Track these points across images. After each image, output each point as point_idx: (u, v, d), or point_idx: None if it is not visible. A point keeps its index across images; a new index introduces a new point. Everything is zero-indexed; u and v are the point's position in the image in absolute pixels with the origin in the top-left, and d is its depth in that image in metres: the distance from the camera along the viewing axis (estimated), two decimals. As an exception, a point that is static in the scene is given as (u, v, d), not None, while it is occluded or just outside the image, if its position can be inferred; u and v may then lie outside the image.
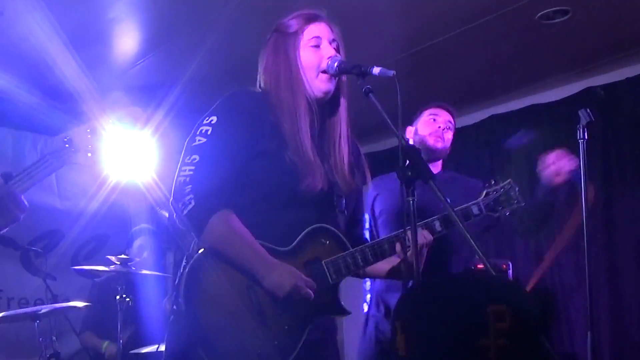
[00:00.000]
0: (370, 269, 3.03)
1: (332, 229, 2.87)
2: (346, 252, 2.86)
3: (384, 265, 3.09)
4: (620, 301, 6.44)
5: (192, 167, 2.71)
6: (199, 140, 2.76)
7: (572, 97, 6.96)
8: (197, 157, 2.73)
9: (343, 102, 3.02)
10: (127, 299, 5.50)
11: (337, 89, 2.99)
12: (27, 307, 6.30)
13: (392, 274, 3.13)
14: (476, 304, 1.71)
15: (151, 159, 6.92)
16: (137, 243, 6.48)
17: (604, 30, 5.91)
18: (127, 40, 5.88)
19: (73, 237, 7.10)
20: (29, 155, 6.98)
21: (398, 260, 3.04)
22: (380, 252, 2.92)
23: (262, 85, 2.99)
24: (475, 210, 3.16)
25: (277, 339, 2.66)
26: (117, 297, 5.48)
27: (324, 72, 2.90)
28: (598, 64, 6.67)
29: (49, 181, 7.05)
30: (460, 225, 2.49)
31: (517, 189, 3.23)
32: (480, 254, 2.45)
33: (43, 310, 5.42)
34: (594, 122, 3.70)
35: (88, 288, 6.47)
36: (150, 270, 5.78)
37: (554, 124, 7.08)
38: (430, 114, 4.51)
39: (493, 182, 3.24)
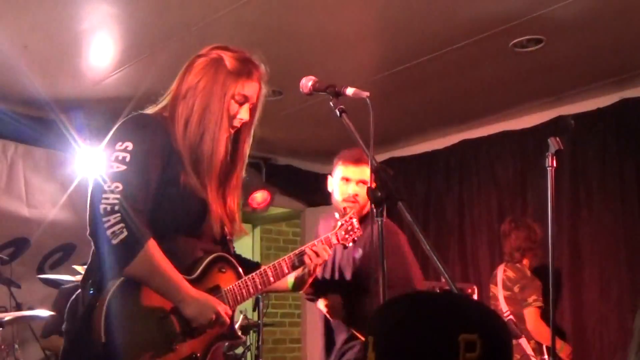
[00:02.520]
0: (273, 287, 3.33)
1: (229, 257, 3.04)
2: (245, 278, 3.06)
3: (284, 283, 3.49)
4: (584, 325, 6.51)
5: (117, 196, 2.67)
6: (118, 167, 2.72)
7: (542, 125, 7.04)
8: (119, 185, 2.70)
9: (247, 142, 3.13)
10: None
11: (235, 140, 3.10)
12: (-10, 315, 6.25)
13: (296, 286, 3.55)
14: (448, 331, 1.70)
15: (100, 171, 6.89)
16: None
17: (576, 60, 5.98)
18: (100, 52, 5.86)
19: (40, 246, 7.05)
20: (-2, 162, 6.94)
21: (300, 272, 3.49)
22: (280, 272, 3.26)
23: (186, 102, 2.95)
24: (334, 239, 3.60)
25: None
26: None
27: (232, 127, 2.99)
28: (570, 94, 6.74)
29: (17, 189, 7.00)
30: (431, 252, 2.50)
31: (354, 220, 3.69)
32: (447, 277, 2.47)
33: (6, 318, 5.37)
34: (562, 151, 3.74)
35: (53, 297, 6.40)
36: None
37: (524, 151, 7.17)
38: (342, 177, 4.16)
39: (345, 213, 3.77)
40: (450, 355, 1.67)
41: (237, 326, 3.11)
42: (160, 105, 3.00)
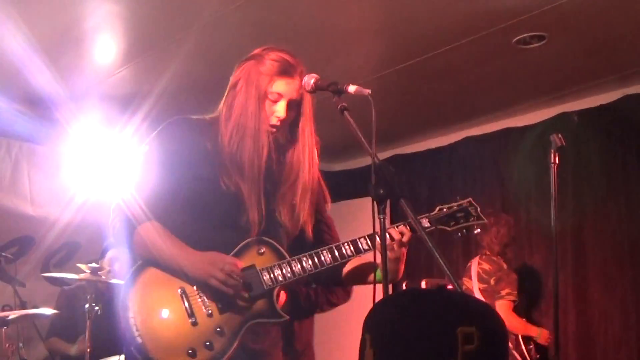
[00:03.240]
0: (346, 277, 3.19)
1: (269, 240, 3.00)
2: (281, 260, 2.98)
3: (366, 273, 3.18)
4: (588, 322, 6.52)
5: (122, 193, 2.94)
6: (133, 167, 3.00)
7: (546, 121, 7.03)
8: (130, 182, 2.97)
9: (306, 134, 3.10)
10: (97, 308, 5.47)
11: (294, 135, 3.09)
12: (-5, 313, 6.25)
13: (351, 276, 3.23)
14: (446, 324, 1.71)
15: (125, 169, 6.91)
16: (110, 254, 6.43)
17: (579, 56, 5.98)
18: (104, 50, 5.87)
19: (44, 245, 7.06)
20: (3, 161, 6.94)
21: (360, 262, 3.16)
22: (319, 261, 2.98)
23: (226, 103, 3.06)
24: (425, 223, 3.06)
25: (208, 339, 2.82)
26: (86, 305, 5.44)
27: (272, 126, 3.01)
28: (572, 90, 6.74)
29: (22, 187, 7.01)
30: (434, 250, 2.51)
31: (477, 207, 3.17)
32: (450, 274, 2.47)
33: (11, 317, 5.38)
34: (565, 147, 3.75)
35: (56, 296, 6.42)
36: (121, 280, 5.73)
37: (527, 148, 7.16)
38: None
39: (451, 200, 3.20)
40: (448, 347, 1.69)
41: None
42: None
